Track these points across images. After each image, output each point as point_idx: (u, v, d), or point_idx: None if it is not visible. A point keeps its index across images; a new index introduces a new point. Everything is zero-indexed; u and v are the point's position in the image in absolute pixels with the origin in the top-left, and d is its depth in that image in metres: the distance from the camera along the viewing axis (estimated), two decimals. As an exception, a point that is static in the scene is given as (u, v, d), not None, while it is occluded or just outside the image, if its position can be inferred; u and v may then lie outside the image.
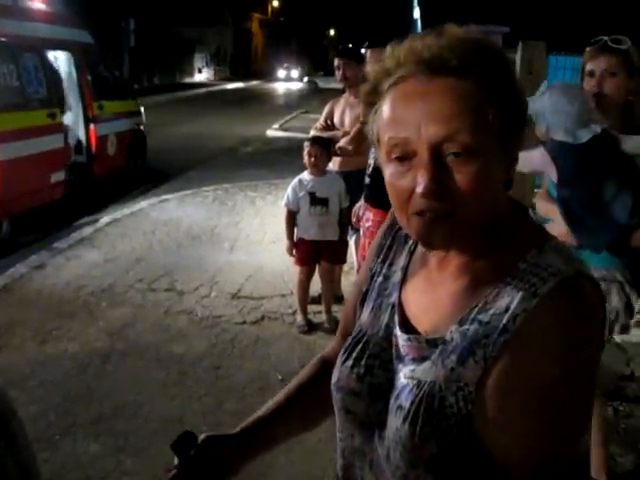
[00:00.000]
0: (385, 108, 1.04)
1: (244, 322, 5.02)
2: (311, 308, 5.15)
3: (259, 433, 1.34)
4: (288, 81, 58.67)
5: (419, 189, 0.99)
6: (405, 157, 1.01)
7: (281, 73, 66.90)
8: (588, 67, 2.79)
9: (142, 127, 11.32)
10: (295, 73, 66.71)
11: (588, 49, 2.82)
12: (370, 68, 1.08)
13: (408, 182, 1.01)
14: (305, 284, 5.04)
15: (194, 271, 6.15)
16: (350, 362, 1.19)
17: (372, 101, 1.08)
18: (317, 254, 4.97)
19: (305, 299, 5.07)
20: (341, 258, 5.10)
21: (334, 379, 1.21)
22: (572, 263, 1.02)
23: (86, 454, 3.41)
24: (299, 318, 5.01)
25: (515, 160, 1.08)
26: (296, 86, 51.99)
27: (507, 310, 1.00)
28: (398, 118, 1.01)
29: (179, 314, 5.18)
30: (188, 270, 6.18)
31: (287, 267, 5.74)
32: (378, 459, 1.13)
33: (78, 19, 10.18)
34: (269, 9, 65.59)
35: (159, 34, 35.85)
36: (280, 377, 4.18)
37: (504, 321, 0.99)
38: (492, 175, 1.02)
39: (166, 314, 5.17)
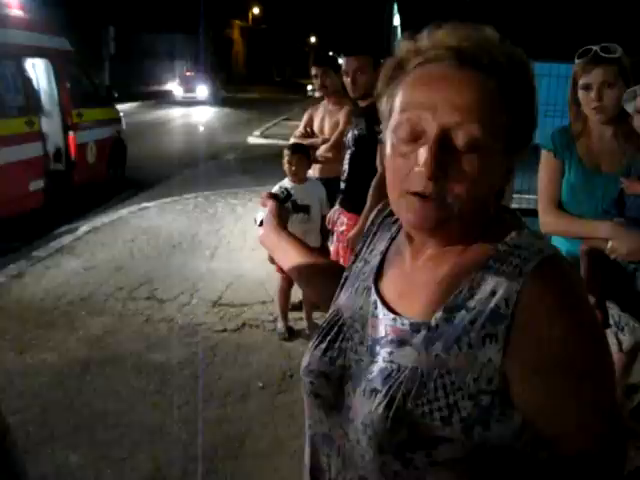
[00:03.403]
0: (406, 85, 1.07)
1: (225, 330, 5.00)
2: (292, 315, 5.14)
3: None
4: (189, 105, 31.22)
5: (420, 167, 1.01)
6: (413, 134, 1.03)
7: (175, 88, 36.35)
8: (583, 80, 2.73)
9: (122, 135, 11.27)
10: (203, 90, 34.68)
11: (578, 61, 2.75)
12: (401, 43, 1.11)
13: (409, 159, 1.03)
14: (286, 291, 5.03)
15: (174, 279, 6.13)
16: (324, 345, 1.21)
17: (395, 76, 1.10)
18: (298, 261, 4.96)
19: (286, 306, 5.06)
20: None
21: (304, 363, 1.22)
22: (550, 245, 1.06)
23: (66, 465, 3.38)
24: (280, 325, 4.99)
25: (511, 171, 1.11)
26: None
27: (494, 294, 1.02)
28: (418, 95, 1.04)
29: (159, 322, 5.15)
30: (168, 278, 6.15)
31: (268, 274, 5.72)
32: (347, 444, 1.13)
33: (57, 26, 10.12)
34: (250, 16, 65.64)
35: (139, 42, 35.82)
36: (261, 385, 4.17)
37: (492, 305, 1.01)
38: (491, 175, 1.05)
39: (146, 322, 5.14)
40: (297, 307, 5.22)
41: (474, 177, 1.01)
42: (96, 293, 5.74)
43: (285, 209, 1.63)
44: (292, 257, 1.56)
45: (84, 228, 7.90)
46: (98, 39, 25.21)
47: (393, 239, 1.26)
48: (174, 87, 36.95)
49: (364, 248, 1.32)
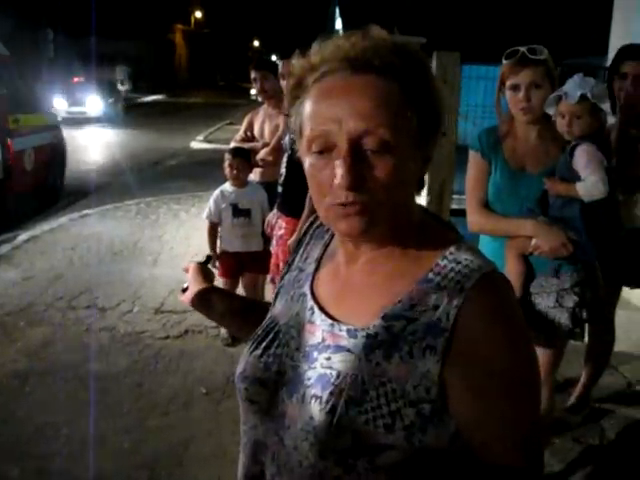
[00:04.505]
0: (309, 102, 1.08)
1: (167, 337, 4.97)
2: (236, 320, 5.11)
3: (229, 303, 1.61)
4: (75, 125, 20.27)
5: (338, 181, 1.03)
6: (325, 149, 1.05)
7: (57, 102, 22.53)
8: (511, 81, 2.77)
9: (62, 141, 11.06)
10: (96, 103, 24.35)
11: (506, 62, 2.79)
12: (296, 63, 1.12)
13: (327, 174, 1.05)
14: (229, 296, 5.01)
15: (116, 287, 6.06)
16: (259, 352, 1.21)
17: (297, 95, 1.12)
18: (241, 266, 4.96)
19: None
20: (265, 269, 5.09)
21: (239, 369, 1.22)
22: (487, 260, 1.09)
23: (6, 478, 3.31)
24: (223, 330, 4.96)
25: (429, 160, 1.14)
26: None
27: (436, 308, 1.04)
28: (321, 112, 1.05)
29: (100, 331, 5.08)
30: (110, 286, 6.07)
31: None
32: (282, 451, 1.14)
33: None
34: (192, 20, 65.12)
35: (78, 46, 35.22)
36: (204, 391, 4.15)
37: (434, 318, 1.03)
38: (407, 171, 1.07)
39: (87, 332, 5.07)
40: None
41: (391, 178, 1.03)
42: (35, 303, 5.63)
43: (208, 269, 1.68)
44: (222, 310, 1.61)
45: (23, 237, 7.75)
46: (35, 43, 24.71)
47: (327, 246, 1.28)
48: (56, 101, 22.47)
49: (297, 257, 1.34)
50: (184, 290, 1.62)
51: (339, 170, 1.02)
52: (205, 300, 1.59)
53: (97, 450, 3.55)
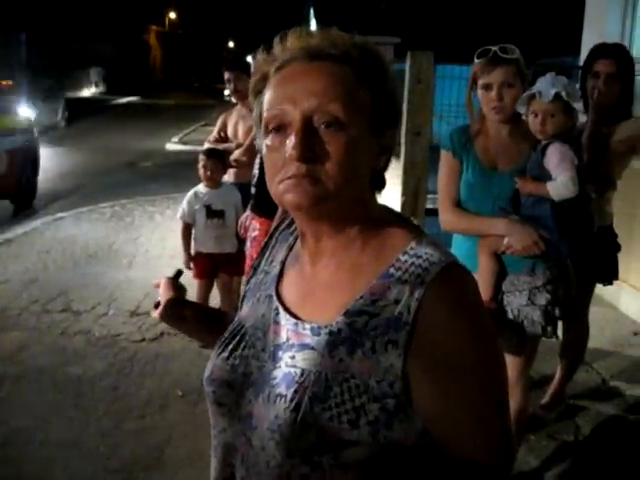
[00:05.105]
0: (270, 89, 1.11)
1: (143, 339, 4.93)
2: (211, 322, 5.09)
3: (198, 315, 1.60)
4: None
5: (289, 152, 1.05)
6: (281, 127, 1.08)
7: None
8: (483, 80, 2.78)
9: (34, 144, 10.94)
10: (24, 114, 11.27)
11: (478, 61, 2.81)
12: (259, 57, 1.16)
13: (282, 152, 1.07)
14: (204, 298, 5.01)
15: (91, 290, 6.01)
16: (225, 354, 1.22)
17: (260, 89, 1.15)
18: (215, 267, 4.95)
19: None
20: (239, 270, 5.08)
21: (207, 373, 1.23)
22: (448, 253, 1.10)
23: (-22, 485, 3.28)
24: (199, 332, 4.94)
25: (386, 152, 1.16)
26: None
27: (397, 302, 1.05)
28: (279, 95, 1.09)
29: (75, 335, 5.04)
30: (85, 289, 6.03)
31: (186, 281, 5.58)
32: (250, 452, 1.14)
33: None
34: (166, 21, 64.73)
35: (53, 48, 34.89)
36: (180, 393, 4.13)
37: (396, 313, 1.04)
38: (360, 152, 1.09)
39: (62, 335, 5.02)
40: (216, 313, 5.18)
41: (342, 155, 1.05)
42: (9, 307, 5.57)
43: (180, 283, 1.64)
44: (194, 324, 1.59)
45: (-5, 241, 7.66)
46: (8, 45, 24.47)
47: (291, 248, 1.29)
48: None
49: (263, 260, 1.34)
50: (156, 305, 1.59)
51: (291, 142, 1.05)
52: (177, 314, 1.56)
53: (73, 454, 3.52)
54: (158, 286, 1.62)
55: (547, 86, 2.65)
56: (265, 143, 1.11)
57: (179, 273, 1.66)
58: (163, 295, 1.59)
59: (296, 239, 1.28)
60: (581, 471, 3.50)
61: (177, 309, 1.56)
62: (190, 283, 5.25)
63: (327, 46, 1.09)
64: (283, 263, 1.27)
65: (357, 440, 1.03)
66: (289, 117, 1.06)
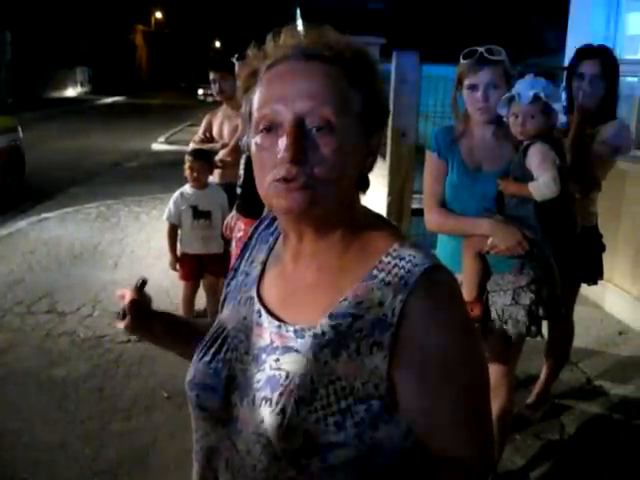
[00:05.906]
0: (261, 86, 1.10)
1: (128, 341, 4.89)
2: (198, 322, 5.07)
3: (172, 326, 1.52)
4: None
5: (281, 154, 1.04)
6: (272, 127, 1.07)
7: None
8: (469, 81, 2.78)
9: (19, 143, 10.87)
10: None
11: (464, 62, 2.81)
12: (251, 52, 1.15)
13: (272, 152, 1.06)
14: (190, 299, 5.00)
15: (76, 291, 5.97)
16: (207, 358, 1.20)
17: (249, 85, 1.14)
18: (201, 268, 4.94)
19: (191, 314, 5.01)
20: (225, 270, 5.08)
21: (189, 377, 1.22)
22: (430, 255, 1.10)
23: (-38, 488, 3.26)
24: (185, 333, 4.92)
25: (372, 155, 1.16)
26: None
27: (382, 304, 1.05)
28: (271, 94, 1.08)
29: (60, 336, 5.00)
30: (70, 290, 5.99)
31: (172, 282, 5.65)
32: (235, 456, 1.13)
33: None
34: (153, 21, 64.49)
35: (39, 48, 34.67)
36: (166, 395, 4.11)
37: (380, 315, 1.04)
38: (350, 156, 1.08)
39: (47, 337, 4.98)
40: (202, 315, 5.17)
41: (333, 158, 1.05)
42: (-7, 309, 5.53)
43: (145, 293, 1.55)
44: (161, 334, 1.51)
45: (-21, 242, 7.60)
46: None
47: (272, 249, 1.28)
48: None
49: (243, 262, 1.33)
50: (122, 316, 1.48)
51: (283, 144, 1.04)
52: (143, 324, 1.47)
53: (58, 456, 3.50)
54: (123, 297, 1.50)
55: (526, 88, 2.66)
56: (255, 141, 1.10)
57: (144, 283, 1.55)
58: (129, 306, 1.47)
59: (276, 240, 1.27)
60: (566, 470, 3.52)
61: (143, 320, 1.46)
62: (176, 284, 5.25)
63: (321, 47, 1.09)
64: (264, 264, 1.27)
65: (343, 442, 1.03)
66: (281, 118, 1.06)
